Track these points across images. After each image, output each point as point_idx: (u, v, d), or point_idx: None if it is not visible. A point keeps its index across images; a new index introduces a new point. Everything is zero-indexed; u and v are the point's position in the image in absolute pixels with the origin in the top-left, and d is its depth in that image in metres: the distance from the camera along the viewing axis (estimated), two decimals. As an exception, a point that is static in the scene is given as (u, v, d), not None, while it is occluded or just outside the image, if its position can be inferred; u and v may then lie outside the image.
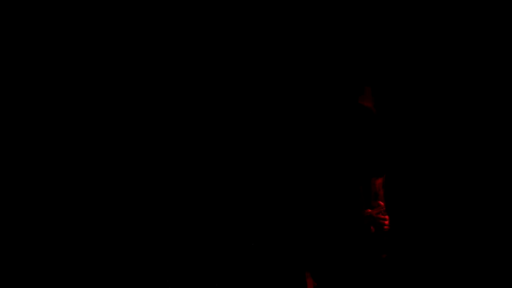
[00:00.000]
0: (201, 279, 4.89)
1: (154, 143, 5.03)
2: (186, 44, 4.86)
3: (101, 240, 4.84)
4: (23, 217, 4.73)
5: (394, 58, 4.49)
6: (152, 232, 4.93)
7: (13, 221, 4.69)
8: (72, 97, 4.89)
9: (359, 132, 3.68)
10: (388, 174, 3.88)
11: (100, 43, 4.93)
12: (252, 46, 4.61)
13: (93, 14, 4.88)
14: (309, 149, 3.96)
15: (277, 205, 4.45)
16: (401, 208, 4.45)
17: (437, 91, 4.54)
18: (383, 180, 3.83)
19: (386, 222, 3.77)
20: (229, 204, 4.96)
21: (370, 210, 3.77)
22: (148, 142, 5.02)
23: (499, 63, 4.51)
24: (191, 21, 4.84)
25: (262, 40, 4.57)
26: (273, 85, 4.55)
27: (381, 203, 3.76)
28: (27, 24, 4.76)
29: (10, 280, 4.59)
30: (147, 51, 5.01)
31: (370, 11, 4.40)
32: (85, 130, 4.91)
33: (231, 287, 4.85)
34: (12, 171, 4.73)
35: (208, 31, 4.81)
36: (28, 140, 4.79)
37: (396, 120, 4.32)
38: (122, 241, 4.88)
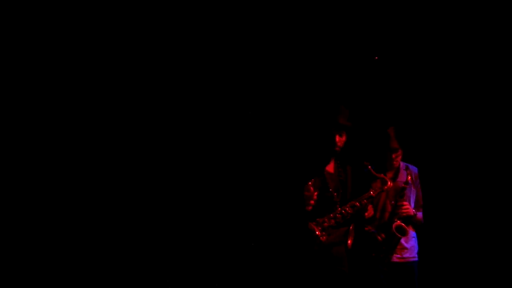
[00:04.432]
0: (201, 279, 4.90)
1: (153, 143, 5.03)
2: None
3: (101, 240, 4.85)
4: (23, 216, 4.74)
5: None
6: (152, 232, 4.94)
7: (13, 221, 4.70)
8: (72, 97, 4.89)
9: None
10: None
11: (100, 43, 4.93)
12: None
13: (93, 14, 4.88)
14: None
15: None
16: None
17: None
18: None
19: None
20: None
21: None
22: (148, 142, 5.02)
23: None
24: None
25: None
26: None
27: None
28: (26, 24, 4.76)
29: (10, 279, 4.61)
30: (146, 51, 5.01)
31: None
32: (84, 130, 4.91)
33: (231, 287, 4.87)
34: (11, 171, 4.74)
35: None
36: (28, 140, 4.80)
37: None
38: (122, 241, 4.89)
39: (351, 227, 4.13)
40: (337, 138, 4.22)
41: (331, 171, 4.32)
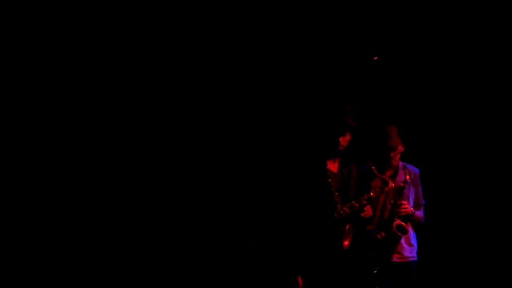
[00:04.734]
0: (201, 279, 4.90)
1: (153, 143, 5.03)
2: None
3: (101, 240, 4.85)
4: (23, 217, 4.74)
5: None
6: (152, 232, 4.94)
7: (13, 221, 4.71)
8: (72, 97, 4.90)
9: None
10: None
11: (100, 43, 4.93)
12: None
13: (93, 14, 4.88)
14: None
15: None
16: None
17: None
18: None
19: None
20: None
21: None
22: (148, 142, 5.02)
23: None
24: None
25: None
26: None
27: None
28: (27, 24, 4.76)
29: (10, 280, 4.62)
30: (147, 51, 5.01)
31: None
32: (84, 130, 4.92)
33: (231, 287, 4.87)
34: (12, 171, 4.74)
35: None
36: (28, 140, 4.80)
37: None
38: (122, 241, 4.89)
39: (346, 228, 4.15)
40: (341, 137, 4.24)
41: (334, 170, 4.34)
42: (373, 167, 4.28)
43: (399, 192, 4.35)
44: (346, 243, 4.16)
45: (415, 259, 4.48)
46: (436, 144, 5.37)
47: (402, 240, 4.38)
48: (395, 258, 4.39)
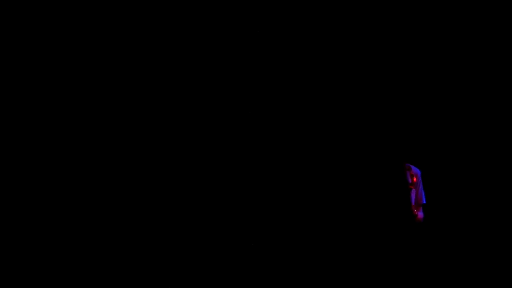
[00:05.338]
0: (201, 279, 4.91)
1: (153, 143, 5.03)
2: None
3: (101, 240, 4.85)
4: (23, 217, 4.74)
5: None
6: (152, 232, 4.94)
7: (13, 221, 4.71)
8: (72, 97, 4.90)
9: None
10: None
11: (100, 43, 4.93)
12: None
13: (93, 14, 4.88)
14: None
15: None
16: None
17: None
18: None
19: None
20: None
21: None
22: (148, 142, 5.02)
23: None
24: None
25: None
26: None
27: None
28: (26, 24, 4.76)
29: (10, 280, 4.61)
30: (147, 51, 5.01)
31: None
32: (84, 130, 4.92)
33: (231, 287, 4.87)
34: (12, 171, 4.74)
35: None
36: (28, 140, 4.80)
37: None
38: (123, 241, 4.89)
39: None
40: None
41: None
42: None
43: None
44: None
45: None
46: (436, 144, 5.37)
47: None
48: None
